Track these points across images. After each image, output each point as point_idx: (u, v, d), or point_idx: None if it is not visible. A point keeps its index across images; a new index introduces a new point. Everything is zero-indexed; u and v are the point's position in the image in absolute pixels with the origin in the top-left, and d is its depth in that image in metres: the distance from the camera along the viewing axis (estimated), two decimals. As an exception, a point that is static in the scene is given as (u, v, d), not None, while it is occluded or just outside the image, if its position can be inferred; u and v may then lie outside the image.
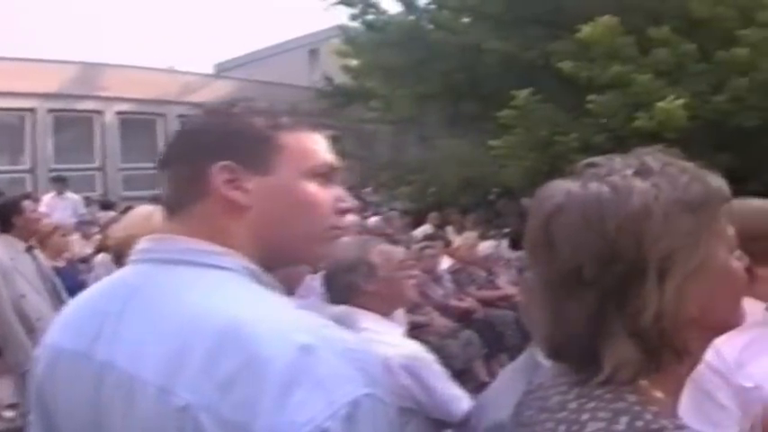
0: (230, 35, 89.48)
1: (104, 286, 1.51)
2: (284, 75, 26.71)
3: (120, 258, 3.33)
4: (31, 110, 20.37)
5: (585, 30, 13.12)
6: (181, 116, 19.95)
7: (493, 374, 8.06)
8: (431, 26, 19.14)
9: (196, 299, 1.31)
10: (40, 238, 7.00)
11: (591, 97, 13.32)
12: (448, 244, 11.88)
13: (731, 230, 1.28)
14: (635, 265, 1.18)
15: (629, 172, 1.23)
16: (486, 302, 10.07)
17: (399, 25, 19.46)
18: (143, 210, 3.73)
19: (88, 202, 17.19)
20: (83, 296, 1.54)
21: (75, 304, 1.54)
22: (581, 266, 1.20)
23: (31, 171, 20.45)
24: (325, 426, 1.15)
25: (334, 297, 3.26)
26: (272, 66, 29.76)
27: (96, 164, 22.01)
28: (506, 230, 14.49)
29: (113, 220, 9.84)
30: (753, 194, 2.64)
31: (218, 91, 22.20)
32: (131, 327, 1.34)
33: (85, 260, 10.13)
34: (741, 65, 12.50)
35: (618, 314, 1.19)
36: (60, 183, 16.15)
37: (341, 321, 2.50)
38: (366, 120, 22.38)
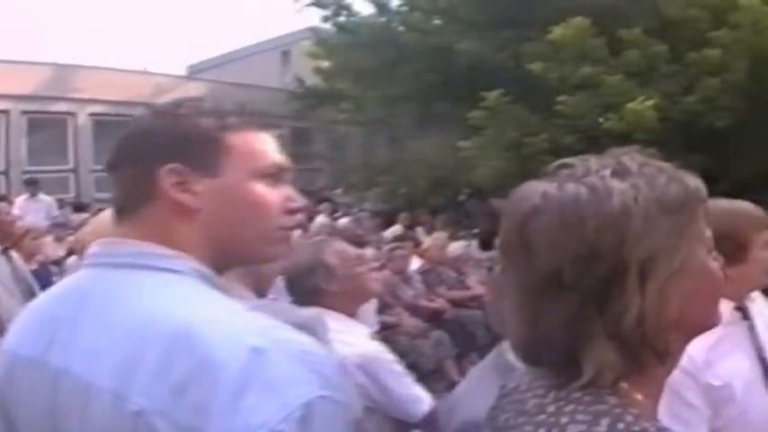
0: (203, 37, 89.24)
1: (58, 291, 1.49)
2: (256, 76, 26.70)
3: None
4: (5, 111, 20.20)
5: (556, 31, 13.19)
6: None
7: (464, 374, 8.04)
8: (402, 28, 19.20)
9: (147, 303, 1.30)
10: (13, 241, 6.94)
11: (561, 98, 13.38)
12: (418, 244, 11.89)
13: (708, 231, 1.26)
14: (615, 267, 1.15)
15: (607, 173, 1.20)
16: (457, 303, 10.08)
17: (371, 27, 19.51)
18: (111, 212, 3.70)
19: (61, 204, 17.07)
20: (38, 301, 1.53)
21: (30, 310, 1.52)
22: (560, 269, 1.17)
23: (5, 173, 20.24)
24: (279, 428, 1.15)
25: (298, 301, 3.24)
26: (244, 67, 29.66)
27: (69, 166, 21.82)
28: (476, 231, 14.50)
29: (86, 223, 9.79)
30: (723, 195, 2.65)
31: (190, 92, 22.07)
32: (85, 333, 1.33)
33: (58, 262, 10.06)
34: (712, 66, 12.61)
35: (598, 317, 1.17)
36: (33, 185, 15.98)
37: (312, 325, 2.51)
38: (337, 121, 22.43)
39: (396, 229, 14.78)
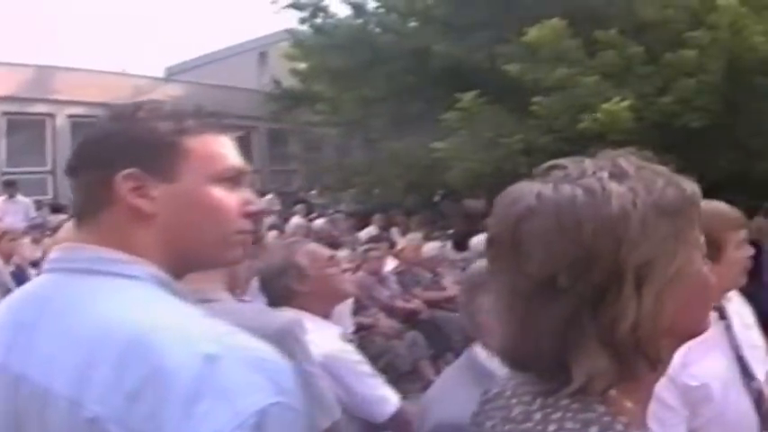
0: (181, 39, 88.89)
1: (20, 296, 1.49)
2: (234, 78, 26.78)
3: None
4: (-17, 113, 20.10)
5: (532, 32, 13.24)
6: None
7: (440, 374, 8.08)
8: (378, 30, 19.26)
9: (102, 309, 1.30)
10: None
11: (536, 99, 13.42)
12: (393, 245, 11.89)
13: (702, 236, 1.24)
14: (612, 272, 1.12)
15: (604, 175, 1.17)
16: (432, 304, 10.08)
17: (347, 29, 19.55)
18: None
19: (39, 205, 17.02)
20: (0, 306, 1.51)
21: None
22: (554, 273, 1.13)
23: (-16, 175, 20.15)
24: None
25: (271, 302, 3.26)
26: (221, 69, 29.66)
27: (48, 167, 21.68)
28: (450, 232, 14.52)
29: (64, 224, 9.75)
30: (699, 195, 2.66)
31: (168, 94, 22.10)
32: (43, 338, 1.32)
33: (36, 264, 9.99)
34: (688, 66, 12.67)
35: (591, 323, 1.13)
36: (11, 186, 15.97)
37: (288, 329, 2.49)
38: (313, 122, 22.45)
39: (370, 230, 14.78)
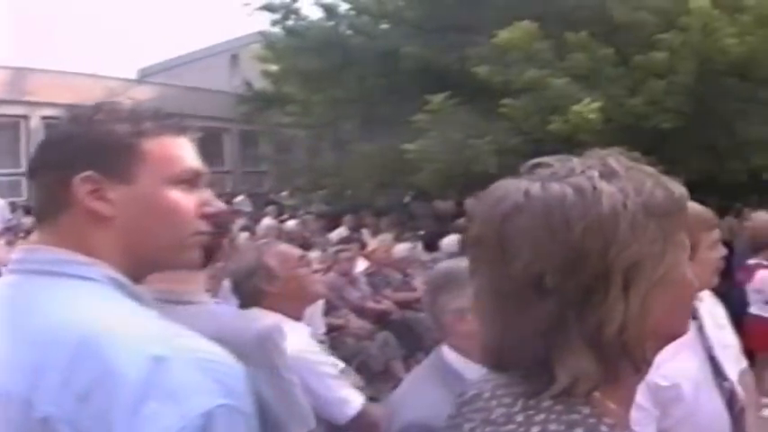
0: (154, 41, 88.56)
1: None
2: (206, 79, 26.98)
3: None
4: (-42, 115, 20.00)
5: (503, 34, 13.26)
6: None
7: (412, 374, 8.08)
8: (350, 32, 19.25)
9: (56, 310, 1.31)
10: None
11: (505, 101, 13.45)
12: (363, 246, 11.88)
13: (687, 239, 1.22)
14: (600, 273, 1.10)
15: (595, 174, 1.15)
16: (402, 304, 10.07)
17: (319, 31, 19.53)
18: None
19: (14, 207, 16.93)
20: None
21: None
22: (541, 273, 1.11)
23: (-41, 177, 20.03)
24: None
25: (242, 303, 3.29)
26: (194, 71, 29.78)
27: (22, 169, 21.56)
28: (421, 233, 14.52)
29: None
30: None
31: (141, 96, 22.13)
32: (1, 339, 1.33)
33: (12, 267, 9.92)
34: (659, 68, 12.75)
35: (577, 324, 1.11)
36: None
37: (267, 335, 2.48)
38: (284, 124, 22.44)
39: (341, 231, 14.76)
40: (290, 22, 20.04)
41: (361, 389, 3.45)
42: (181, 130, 1.55)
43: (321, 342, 3.58)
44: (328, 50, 18.59)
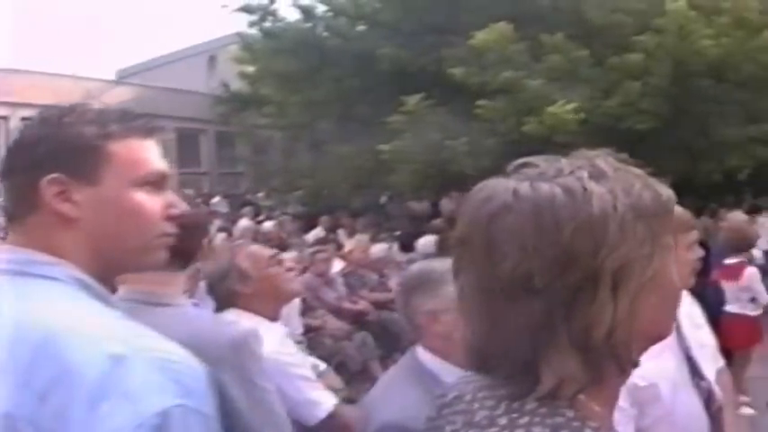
0: (133, 42, 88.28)
1: None
2: (183, 81, 27.00)
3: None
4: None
5: (479, 36, 13.30)
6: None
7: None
8: (326, 33, 19.26)
9: (20, 309, 1.31)
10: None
11: (481, 102, 13.48)
12: (340, 247, 11.88)
13: (672, 241, 1.20)
14: (588, 274, 1.08)
15: (584, 174, 1.13)
16: (379, 305, 10.07)
17: (296, 32, 19.57)
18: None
19: (-7, 208, 16.80)
20: None
21: None
22: (529, 273, 1.09)
23: (-62, 177, 19.95)
24: None
25: (218, 304, 3.30)
26: (171, 72, 29.83)
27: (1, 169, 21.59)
28: (397, 233, 14.52)
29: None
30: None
31: (119, 97, 22.14)
32: None
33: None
34: (634, 70, 12.81)
35: (564, 326, 1.09)
36: None
37: (243, 341, 2.46)
38: (260, 125, 22.41)
39: (317, 232, 14.75)
40: (267, 24, 20.12)
41: (339, 390, 3.44)
42: (148, 132, 1.55)
43: (299, 342, 3.57)
44: (305, 52, 18.67)
